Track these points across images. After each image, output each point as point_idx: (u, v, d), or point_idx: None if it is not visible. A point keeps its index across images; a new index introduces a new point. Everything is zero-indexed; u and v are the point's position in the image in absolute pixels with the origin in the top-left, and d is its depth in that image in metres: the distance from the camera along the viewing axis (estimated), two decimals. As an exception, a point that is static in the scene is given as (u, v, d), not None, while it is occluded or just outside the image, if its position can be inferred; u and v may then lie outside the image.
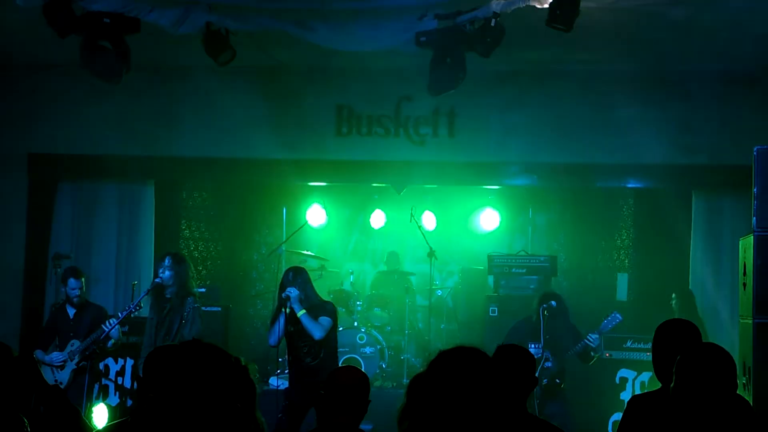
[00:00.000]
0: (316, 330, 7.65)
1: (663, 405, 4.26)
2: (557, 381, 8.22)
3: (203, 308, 8.69)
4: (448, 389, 2.84)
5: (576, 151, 10.69)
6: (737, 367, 3.92)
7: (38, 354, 8.99)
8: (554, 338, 8.33)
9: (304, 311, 7.66)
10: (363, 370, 10.58)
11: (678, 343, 4.32)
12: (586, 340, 8.30)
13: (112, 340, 8.87)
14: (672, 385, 3.77)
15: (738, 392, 3.91)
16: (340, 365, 8.04)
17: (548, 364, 8.16)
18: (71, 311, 9.08)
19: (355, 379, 4.41)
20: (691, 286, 10.77)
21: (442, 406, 2.83)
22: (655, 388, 4.55)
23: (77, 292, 9.03)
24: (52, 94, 11.07)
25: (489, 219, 12.89)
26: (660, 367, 4.43)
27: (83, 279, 9.16)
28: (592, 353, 8.47)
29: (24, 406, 3.71)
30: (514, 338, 8.18)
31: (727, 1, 7.99)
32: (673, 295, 10.36)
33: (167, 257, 8.30)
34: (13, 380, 3.70)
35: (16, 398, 3.70)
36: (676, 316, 9.97)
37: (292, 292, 7.68)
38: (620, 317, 8.53)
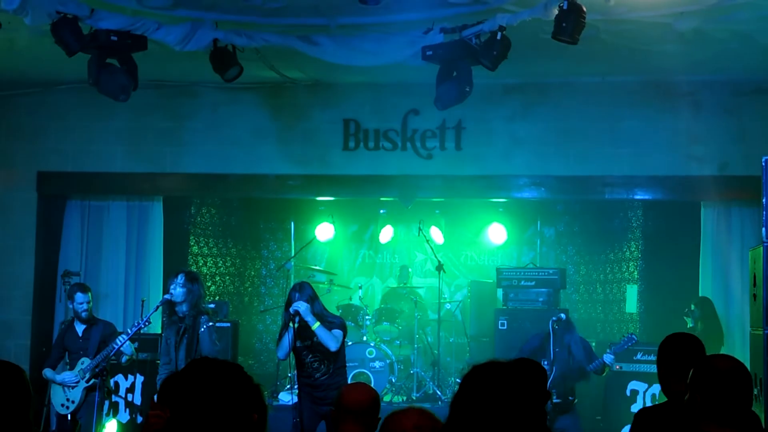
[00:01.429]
0: (332, 342, 7.53)
1: (671, 419, 4.22)
2: (570, 398, 8.20)
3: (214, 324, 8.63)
4: (484, 404, 2.83)
5: (584, 163, 10.68)
6: (752, 380, 3.89)
7: (47, 373, 8.96)
8: (567, 356, 8.29)
9: (318, 323, 7.57)
10: (372, 384, 10.61)
11: (684, 357, 4.29)
12: (602, 360, 8.28)
13: (126, 356, 8.84)
14: (686, 397, 3.74)
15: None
16: (348, 380, 7.99)
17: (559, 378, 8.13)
18: (80, 328, 9.04)
19: (365, 398, 4.40)
20: (700, 297, 10.75)
21: (475, 421, 2.83)
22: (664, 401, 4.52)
23: (85, 306, 8.99)
24: (60, 111, 11.12)
25: (497, 233, 12.88)
26: (666, 381, 4.40)
27: (90, 294, 9.13)
28: (606, 369, 8.46)
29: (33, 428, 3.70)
30: (526, 353, 8.15)
31: (733, 13, 7.98)
32: (692, 306, 10.33)
33: (180, 274, 8.12)
34: (24, 403, 3.69)
35: (27, 421, 3.69)
36: (697, 324, 10.07)
37: (301, 305, 7.60)
38: (636, 338, 8.55)
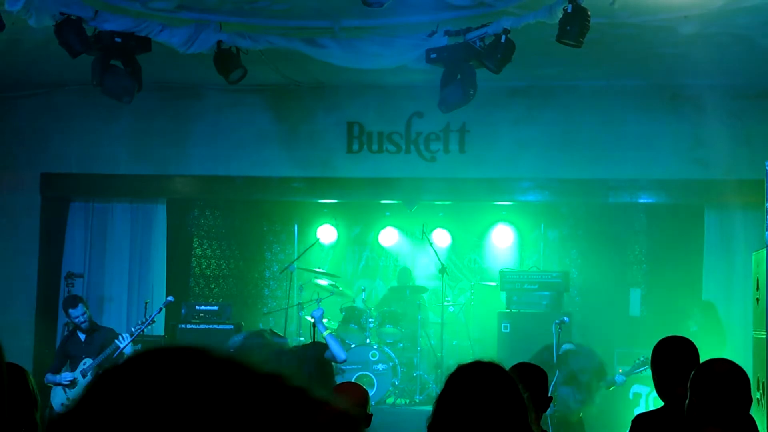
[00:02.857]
0: (342, 352, 7.54)
1: (667, 423, 4.23)
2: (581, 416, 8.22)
3: (218, 326, 8.79)
4: (466, 404, 2.83)
5: (588, 167, 10.67)
6: (750, 383, 3.89)
7: (49, 377, 8.98)
8: (579, 376, 8.31)
9: (329, 331, 7.52)
10: (375, 386, 10.59)
11: (678, 360, 4.30)
12: (612, 380, 8.31)
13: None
14: (687, 401, 3.74)
15: (751, 408, 3.89)
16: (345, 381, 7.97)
17: (574, 403, 8.13)
18: (82, 335, 9.06)
19: (355, 397, 4.44)
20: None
21: (459, 422, 2.82)
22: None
23: (82, 319, 8.98)
24: (63, 113, 11.12)
25: (503, 235, 12.86)
26: (661, 385, 4.41)
27: (83, 304, 9.09)
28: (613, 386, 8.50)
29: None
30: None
31: (734, 18, 7.98)
32: (695, 309, 10.31)
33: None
34: (29, 404, 3.69)
35: (33, 422, 3.69)
36: (698, 329, 10.05)
37: (317, 312, 7.59)
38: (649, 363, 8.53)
